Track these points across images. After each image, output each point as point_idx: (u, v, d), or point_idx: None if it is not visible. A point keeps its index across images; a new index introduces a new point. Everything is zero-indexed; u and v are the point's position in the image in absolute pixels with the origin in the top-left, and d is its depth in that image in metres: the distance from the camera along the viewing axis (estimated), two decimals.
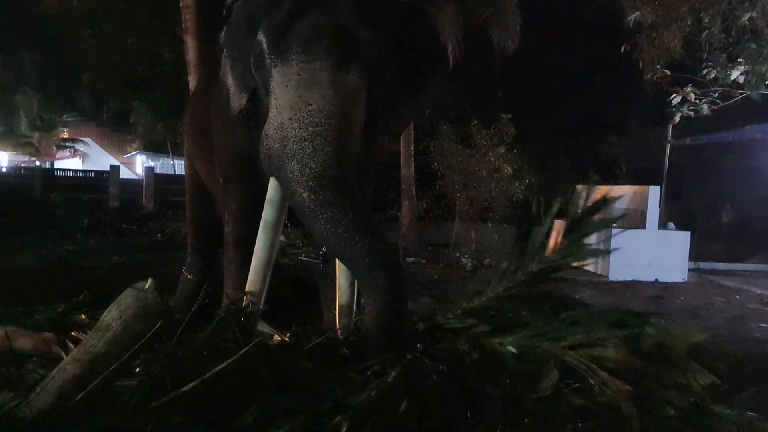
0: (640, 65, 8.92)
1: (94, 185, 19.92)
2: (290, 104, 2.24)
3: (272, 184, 2.41)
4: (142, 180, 20.52)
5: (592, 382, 1.72)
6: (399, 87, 2.64)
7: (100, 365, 1.65)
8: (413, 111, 3.09)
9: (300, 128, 2.19)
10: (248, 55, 2.55)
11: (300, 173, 2.14)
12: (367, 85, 2.40)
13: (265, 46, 2.36)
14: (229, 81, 2.71)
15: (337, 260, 2.41)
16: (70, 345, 2.10)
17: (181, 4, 8.53)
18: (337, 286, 2.42)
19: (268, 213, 2.41)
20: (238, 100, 2.66)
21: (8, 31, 18.62)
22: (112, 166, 20.70)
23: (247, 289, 2.32)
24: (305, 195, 2.13)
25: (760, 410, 1.67)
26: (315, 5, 2.37)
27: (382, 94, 2.53)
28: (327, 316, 3.15)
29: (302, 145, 2.17)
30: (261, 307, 2.34)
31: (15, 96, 25.39)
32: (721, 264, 9.80)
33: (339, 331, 2.32)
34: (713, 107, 8.51)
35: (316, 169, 2.13)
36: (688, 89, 8.33)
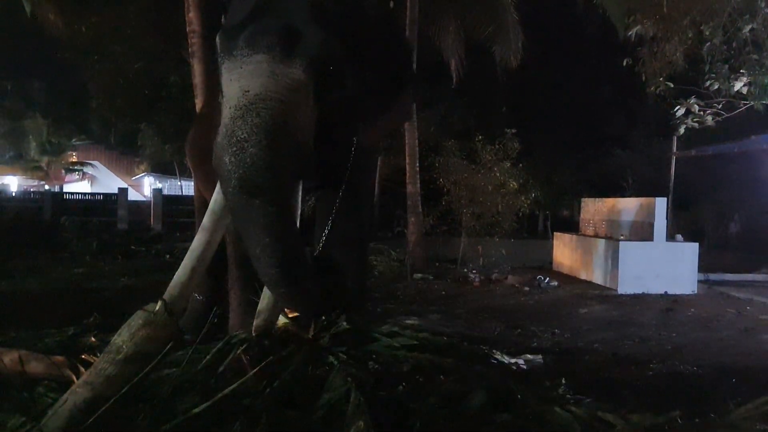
0: (643, 78, 8.94)
1: (102, 208, 20.07)
2: (231, 95, 2.27)
3: (217, 188, 2.44)
4: (150, 201, 20.64)
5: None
6: (366, 99, 2.67)
7: (112, 388, 1.67)
8: (384, 125, 3.12)
9: (238, 115, 2.18)
10: None
11: (235, 164, 2.14)
12: (315, 83, 2.39)
13: (218, 47, 2.43)
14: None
15: None
16: (81, 368, 2.12)
17: (187, 29, 8.67)
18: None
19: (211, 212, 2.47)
20: None
21: (17, 57, 18.90)
22: (120, 189, 20.86)
23: (171, 286, 2.22)
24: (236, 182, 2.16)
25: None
26: (270, 10, 2.41)
27: (345, 103, 2.55)
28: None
29: (241, 130, 2.15)
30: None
31: (24, 121, 25.73)
32: (731, 275, 9.72)
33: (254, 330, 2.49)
34: (717, 118, 8.51)
35: (253, 152, 2.12)
36: (692, 101, 8.34)
